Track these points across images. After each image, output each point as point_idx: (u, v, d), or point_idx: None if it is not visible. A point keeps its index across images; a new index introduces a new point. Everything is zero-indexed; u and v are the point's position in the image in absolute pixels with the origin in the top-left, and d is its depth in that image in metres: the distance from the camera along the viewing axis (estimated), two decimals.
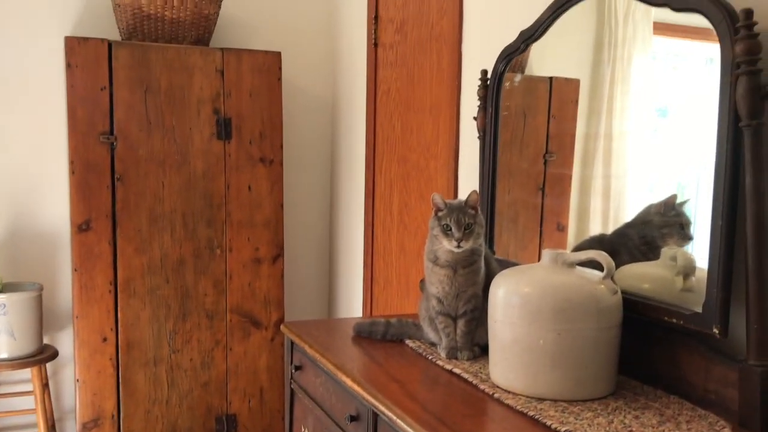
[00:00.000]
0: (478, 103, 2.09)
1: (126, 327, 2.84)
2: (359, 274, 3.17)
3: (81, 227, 2.76)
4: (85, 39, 2.76)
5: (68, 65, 2.72)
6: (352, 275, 3.29)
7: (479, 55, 2.26)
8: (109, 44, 2.76)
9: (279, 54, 3.03)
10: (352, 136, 3.27)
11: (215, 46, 3.08)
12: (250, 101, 2.98)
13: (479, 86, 2.08)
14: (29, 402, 2.93)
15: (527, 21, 1.90)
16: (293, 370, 2.00)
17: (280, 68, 3.02)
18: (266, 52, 3.02)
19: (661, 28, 1.66)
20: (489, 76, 2.05)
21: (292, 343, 1.99)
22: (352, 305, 3.30)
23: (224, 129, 2.95)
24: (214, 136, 2.94)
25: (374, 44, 2.97)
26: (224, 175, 2.97)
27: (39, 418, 2.85)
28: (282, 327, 2.05)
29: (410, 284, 2.71)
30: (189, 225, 2.93)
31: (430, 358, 1.70)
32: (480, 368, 1.61)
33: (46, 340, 2.99)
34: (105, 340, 2.82)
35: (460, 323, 1.69)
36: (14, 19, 2.95)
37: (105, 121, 2.77)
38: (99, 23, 3.03)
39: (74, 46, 2.73)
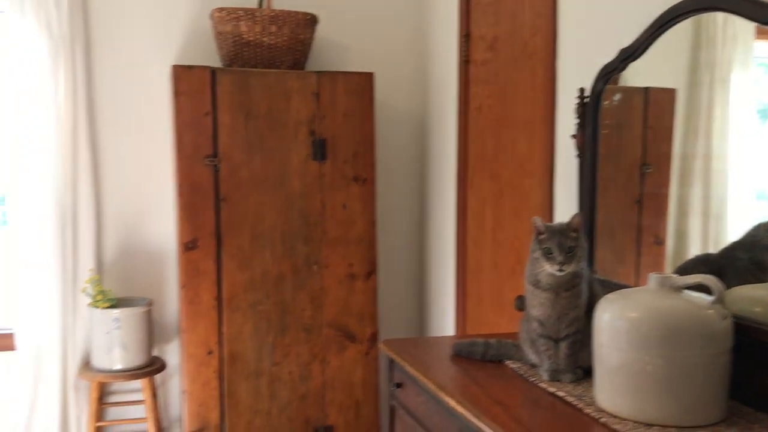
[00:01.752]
0: (576, 120, 2.09)
1: (230, 341, 2.97)
2: (451, 290, 3.20)
3: (188, 246, 2.91)
4: (190, 67, 2.91)
5: (175, 92, 2.88)
6: (443, 292, 3.32)
7: (575, 72, 2.25)
8: (212, 71, 2.91)
9: (371, 75, 3.10)
10: (442, 153, 3.30)
11: (310, 69, 3.19)
12: (344, 122, 3.06)
13: (577, 104, 2.07)
14: (140, 411, 3.10)
15: (623, 37, 1.89)
16: (393, 388, 2.04)
17: (372, 88, 3.10)
18: (359, 73, 3.10)
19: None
20: (587, 94, 2.04)
21: (391, 360, 2.04)
22: (444, 322, 3.32)
23: (319, 150, 3.04)
24: (309, 157, 3.04)
25: (465, 61, 3.00)
26: (320, 194, 3.06)
27: (150, 427, 3.01)
28: (381, 345, 2.10)
29: (504, 301, 2.71)
30: (287, 242, 3.03)
31: (531, 380, 1.71)
32: (583, 391, 1.61)
33: (154, 353, 3.16)
34: (210, 353, 2.95)
35: (563, 346, 1.69)
36: (124, 51, 3.15)
37: (209, 144, 2.92)
38: (201, 51, 3.19)
39: (180, 74, 2.88)
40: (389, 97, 3.45)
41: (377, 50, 3.45)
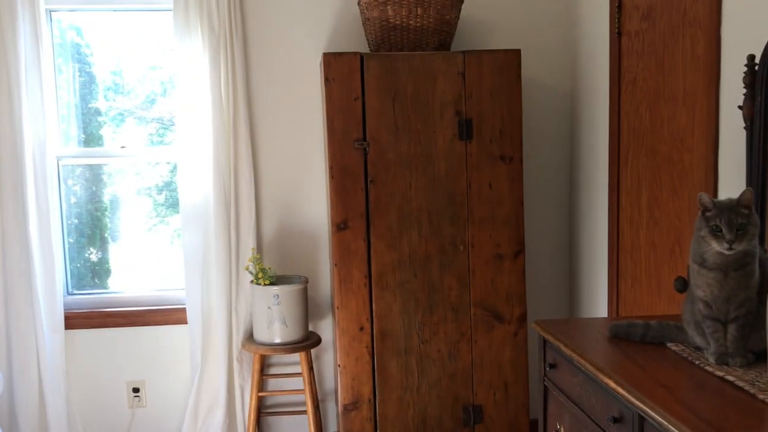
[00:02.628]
0: (744, 90, 1.95)
1: (380, 318, 3.06)
2: (603, 271, 3.10)
3: (339, 226, 3.02)
4: (340, 54, 3.00)
5: (326, 79, 2.99)
6: (594, 272, 3.23)
7: (741, 38, 2.10)
8: (361, 57, 2.98)
9: (518, 52, 3.05)
10: (593, 129, 3.19)
11: (456, 49, 3.19)
12: (490, 101, 3.04)
13: (745, 73, 1.93)
14: (298, 383, 3.28)
15: None
16: (547, 368, 2.03)
17: (519, 65, 3.05)
18: (506, 51, 3.06)
19: None
20: (757, 61, 1.90)
21: (544, 340, 2.02)
22: (595, 303, 3.23)
23: (465, 129, 3.04)
24: (455, 137, 3.05)
25: (617, 33, 2.88)
26: (466, 174, 3.07)
27: (307, 398, 3.18)
28: (533, 325, 2.09)
29: (662, 283, 2.60)
30: (434, 223, 3.07)
31: (696, 363, 1.64)
32: (756, 376, 1.52)
33: (310, 328, 3.32)
34: (362, 329, 3.06)
35: (731, 328, 1.60)
36: (277, 41, 3.31)
37: (358, 128, 3.00)
38: (350, 38, 3.28)
39: (331, 61, 2.99)
40: (536, 74, 3.38)
41: (523, 26, 3.39)
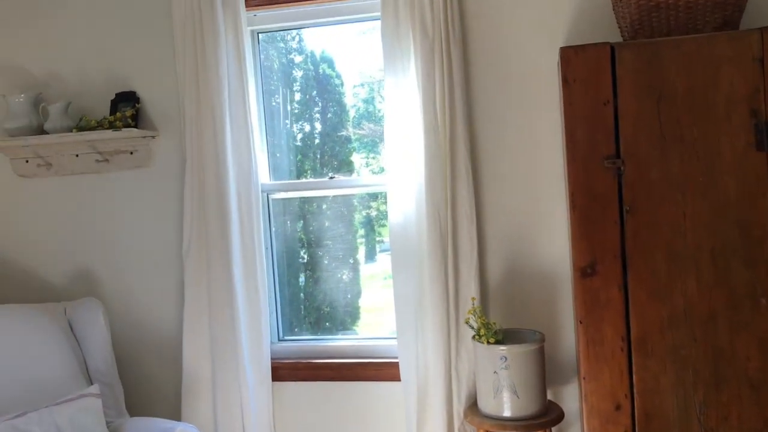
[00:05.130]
0: None
1: (643, 395, 2.28)
2: None
3: (585, 270, 2.31)
4: (583, 47, 2.32)
5: (564, 80, 2.32)
6: None
7: None
8: (612, 48, 2.27)
9: None
10: None
11: (748, 27, 2.34)
12: None
13: None
14: None
15: None
16: None
17: None
18: None
19: None
20: None
21: None
22: None
23: (766, 136, 2.18)
24: (751, 147, 2.20)
25: None
26: (767, 198, 2.20)
27: None
28: None
29: None
30: (720, 265, 2.23)
31: None
32: None
33: (549, 396, 2.63)
34: (618, 408, 2.30)
35: None
36: (503, 41, 2.72)
37: (609, 141, 2.28)
38: (594, 27, 2.59)
39: (570, 57, 2.31)
40: None
41: None
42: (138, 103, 2.99)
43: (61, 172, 3.11)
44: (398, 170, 2.74)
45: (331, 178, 3.03)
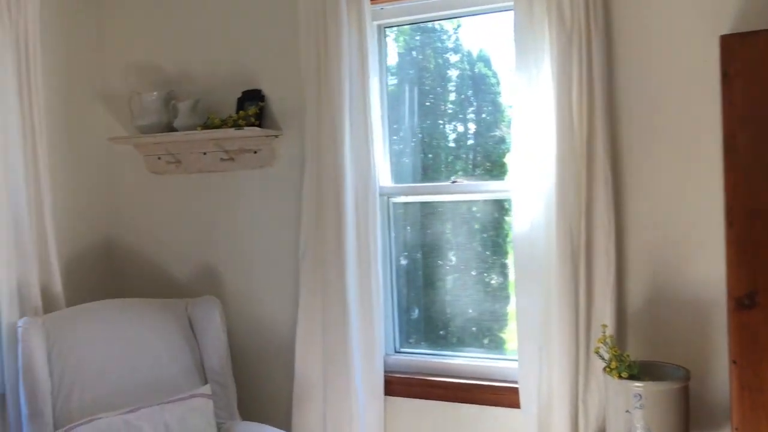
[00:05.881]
0: None
1: None
2: None
3: (741, 301, 1.93)
4: (749, 34, 1.94)
5: (724, 74, 1.95)
6: None
7: None
8: None
9: None
10: None
11: None
12: None
13: None
14: None
15: None
16: None
17: None
18: None
19: None
20: None
21: None
22: None
23: None
24: None
25: None
26: None
27: None
28: None
29: None
30: None
31: None
32: None
33: None
34: None
35: None
36: (653, 31, 2.36)
37: None
38: (765, 9, 2.17)
39: (733, 45, 1.94)
40: None
41: None
42: (262, 102, 2.95)
43: (190, 170, 3.14)
44: (525, 175, 2.47)
45: (454, 182, 2.81)
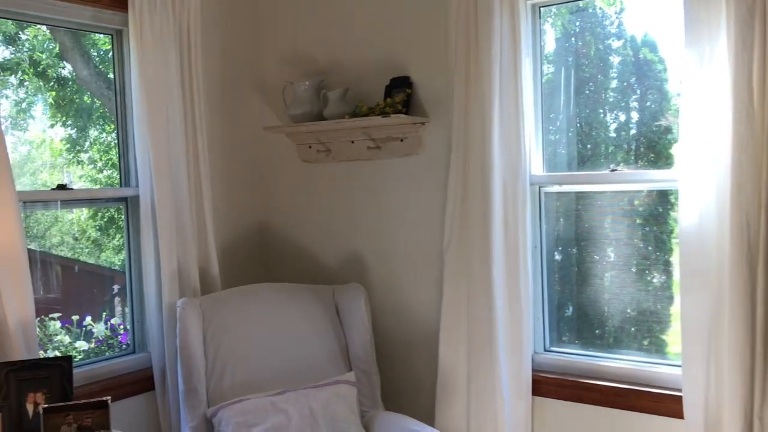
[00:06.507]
0: None
1: None
2: None
3: None
4: None
5: None
6: None
7: None
8: None
9: None
10: None
11: None
12: None
13: None
14: None
15: None
16: None
17: None
18: None
19: None
20: None
21: None
22: None
23: None
24: None
25: None
26: None
27: None
28: None
29: None
30: None
31: None
32: None
33: None
34: None
35: None
36: None
37: None
38: None
39: None
40: None
41: None
42: (410, 89, 2.90)
43: (339, 158, 3.16)
44: (694, 164, 2.23)
45: (613, 170, 2.60)
